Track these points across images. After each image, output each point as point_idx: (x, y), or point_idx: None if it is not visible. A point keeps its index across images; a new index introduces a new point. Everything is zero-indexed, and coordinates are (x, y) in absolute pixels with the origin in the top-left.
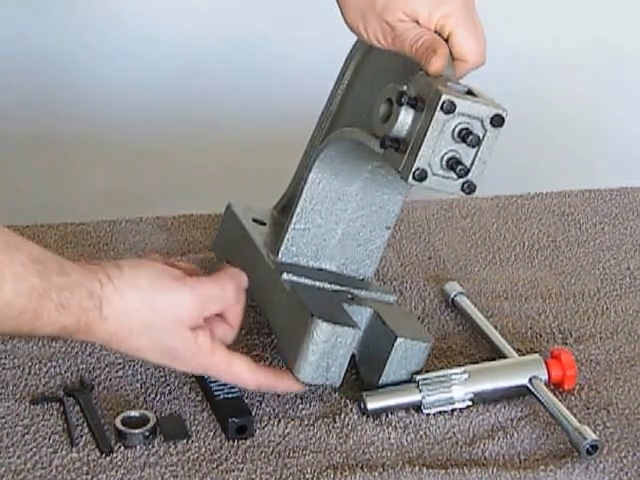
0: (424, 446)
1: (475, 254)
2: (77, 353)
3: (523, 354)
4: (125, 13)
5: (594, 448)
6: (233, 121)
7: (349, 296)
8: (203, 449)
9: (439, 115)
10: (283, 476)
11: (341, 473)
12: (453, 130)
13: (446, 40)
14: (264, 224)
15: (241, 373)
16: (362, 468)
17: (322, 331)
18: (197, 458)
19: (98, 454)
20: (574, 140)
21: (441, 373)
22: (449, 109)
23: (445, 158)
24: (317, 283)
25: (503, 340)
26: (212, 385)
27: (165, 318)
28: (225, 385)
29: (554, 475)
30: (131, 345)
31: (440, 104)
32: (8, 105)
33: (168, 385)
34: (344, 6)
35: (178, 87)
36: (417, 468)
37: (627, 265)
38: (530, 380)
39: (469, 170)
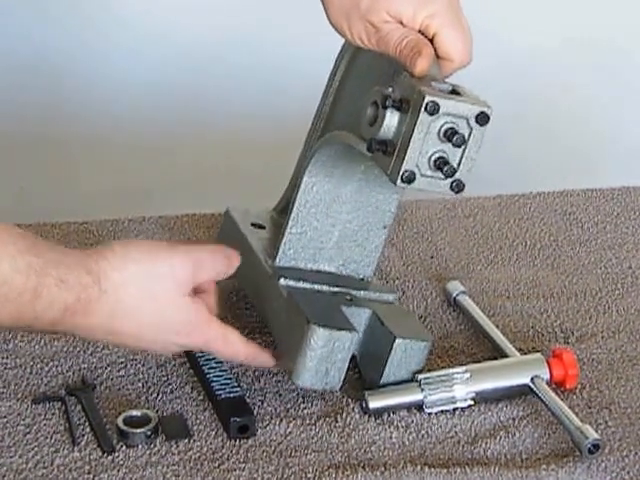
0: (426, 445)
1: (477, 253)
2: (79, 352)
3: (525, 353)
4: (125, 13)
5: (596, 447)
6: (236, 120)
7: (347, 297)
8: (205, 448)
9: (423, 117)
10: (285, 475)
11: (343, 472)
12: (439, 130)
13: (432, 40)
14: (263, 228)
15: (236, 345)
16: (364, 467)
17: (319, 337)
18: (199, 457)
19: (100, 453)
20: (576, 139)
21: (443, 372)
22: (433, 110)
23: (432, 158)
24: (315, 286)
25: (505, 339)
26: (214, 384)
27: (163, 287)
28: (227, 384)
29: (556, 474)
30: (131, 323)
31: (424, 105)
32: (11, 105)
33: (170, 384)
34: (328, 6)
35: (179, 87)
36: (419, 467)
37: (629, 264)
38: (532, 379)
39: (456, 170)
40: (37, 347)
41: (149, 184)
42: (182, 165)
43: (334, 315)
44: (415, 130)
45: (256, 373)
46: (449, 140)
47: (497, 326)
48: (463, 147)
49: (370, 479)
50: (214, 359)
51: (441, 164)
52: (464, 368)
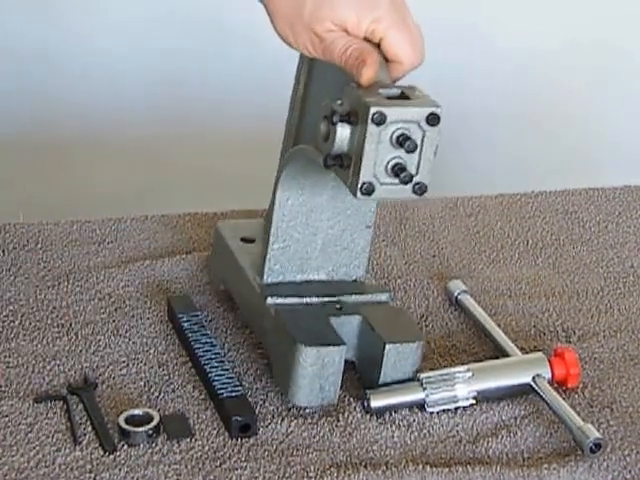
0: (427, 444)
1: (479, 252)
2: (81, 351)
3: (527, 352)
4: (123, 13)
5: (597, 446)
6: (236, 120)
7: (337, 306)
8: (206, 447)
9: (372, 128)
10: (286, 474)
11: (344, 472)
12: (391, 138)
13: (379, 45)
14: (253, 241)
15: None
16: (365, 466)
17: (307, 356)
18: (200, 456)
19: (101, 452)
20: (578, 139)
21: (445, 371)
22: (380, 120)
23: (389, 166)
24: (304, 299)
25: (507, 338)
26: (216, 383)
27: None
28: (229, 383)
29: (557, 473)
30: None
31: (370, 117)
32: (14, 105)
33: (172, 383)
34: (273, 15)
35: (179, 87)
36: (420, 467)
37: (630, 263)
38: (533, 378)
39: (413, 175)
40: (39, 346)
41: (150, 184)
42: (182, 165)
43: (322, 330)
44: (366, 142)
45: (258, 372)
46: (402, 146)
47: (499, 325)
48: (419, 150)
49: (372, 478)
50: (216, 358)
51: (398, 171)
52: (466, 367)
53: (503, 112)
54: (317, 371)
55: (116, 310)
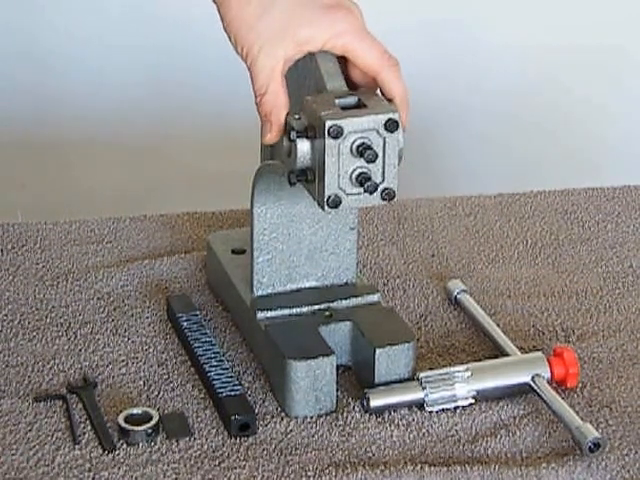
0: (426, 444)
1: (478, 252)
2: (80, 351)
3: (526, 352)
4: (121, 12)
5: (596, 446)
6: (236, 119)
7: (327, 314)
8: (205, 446)
9: (329, 141)
10: (285, 473)
11: (343, 471)
12: (351, 149)
13: (344, 58)
14: (244, 252)
15: None
16: (364, 466)
17: (298, 370)
18: (199, 455)
19: (101, 451)
20: (577, 138)
21: (444, 371)
22: (337, 133)
23: (354, 176)
24: (294, 310)
25: (506, 338)
26: (215, 382)
27: None
28: (228, 382)
29: (556, 473)
30: None
31: (326, 131)
32: (12, 105)
33: (171, 382)
34: (224, 13)
35: (179, 86)
36: (419, 466)
37: (630, 263)
38: (533, 378)
39: (378, 184)
40: (39, 345)
41: (148, 184)
42: (181, 165)
43: (312, 341)
44: (326, 156)
45: (257, 371)
46: (362, 156)
47: (498, 325)
48: (382, 157)
49: (370, 477)
50: (215, 357)
51: (363, 180)
52: (465, 367)
53: (503, 112)
54: (310, 384)
55: (115, 309)
